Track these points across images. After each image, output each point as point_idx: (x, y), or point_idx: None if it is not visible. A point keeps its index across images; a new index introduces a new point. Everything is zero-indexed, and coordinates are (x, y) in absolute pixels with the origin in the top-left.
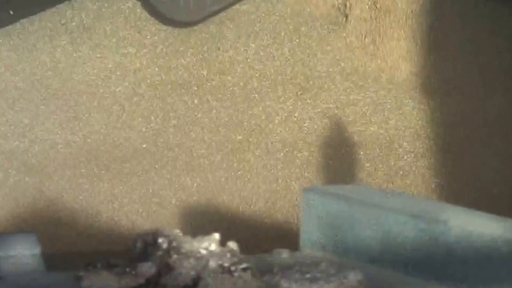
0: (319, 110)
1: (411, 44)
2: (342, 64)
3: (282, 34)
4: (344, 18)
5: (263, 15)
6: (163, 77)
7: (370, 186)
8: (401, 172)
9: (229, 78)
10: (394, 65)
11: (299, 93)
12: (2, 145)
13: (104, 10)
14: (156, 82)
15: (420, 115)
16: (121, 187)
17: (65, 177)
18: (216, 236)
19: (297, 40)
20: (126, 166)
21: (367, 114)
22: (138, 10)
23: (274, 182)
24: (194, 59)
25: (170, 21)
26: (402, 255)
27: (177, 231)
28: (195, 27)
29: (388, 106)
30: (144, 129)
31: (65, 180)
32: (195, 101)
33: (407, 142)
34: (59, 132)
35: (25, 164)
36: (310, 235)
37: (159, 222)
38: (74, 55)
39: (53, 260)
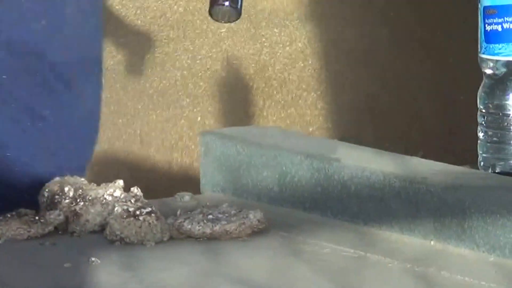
0: (211, 52)
1: None
2: None
3: None
4: None
5: None
6: None
7: (267, 127)
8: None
9: None
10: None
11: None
12: None
13: None
14: None
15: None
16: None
17: None
18: (120, 182)
19: None
20: None
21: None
22: None
23: (175, 127)
24: None
25: None
26: (299, 194)
27: (83, 180)
28: None
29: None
30: None
31: None
32: None
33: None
34: None
35: None
36: (210, 178)
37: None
38: None
39: None
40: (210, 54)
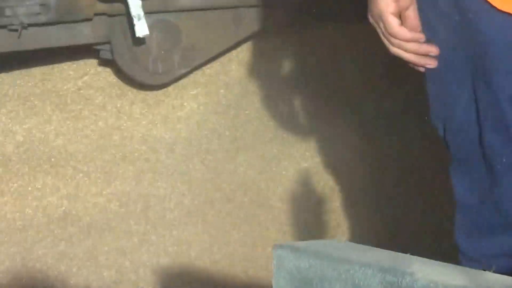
0: None
1: None
2: None
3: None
4: None
5: None
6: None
7: (339, 241)
8: None
9: None
10: None
11: None
12: None
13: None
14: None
15: None
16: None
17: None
18: None
19: None
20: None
21: None
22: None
23: (246, 239)
24: None
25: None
26: None
27: None
28: None
29: None
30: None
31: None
32: None
33: None
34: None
35: None
36: None
37: (132, 284)
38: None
39: None
40: None
